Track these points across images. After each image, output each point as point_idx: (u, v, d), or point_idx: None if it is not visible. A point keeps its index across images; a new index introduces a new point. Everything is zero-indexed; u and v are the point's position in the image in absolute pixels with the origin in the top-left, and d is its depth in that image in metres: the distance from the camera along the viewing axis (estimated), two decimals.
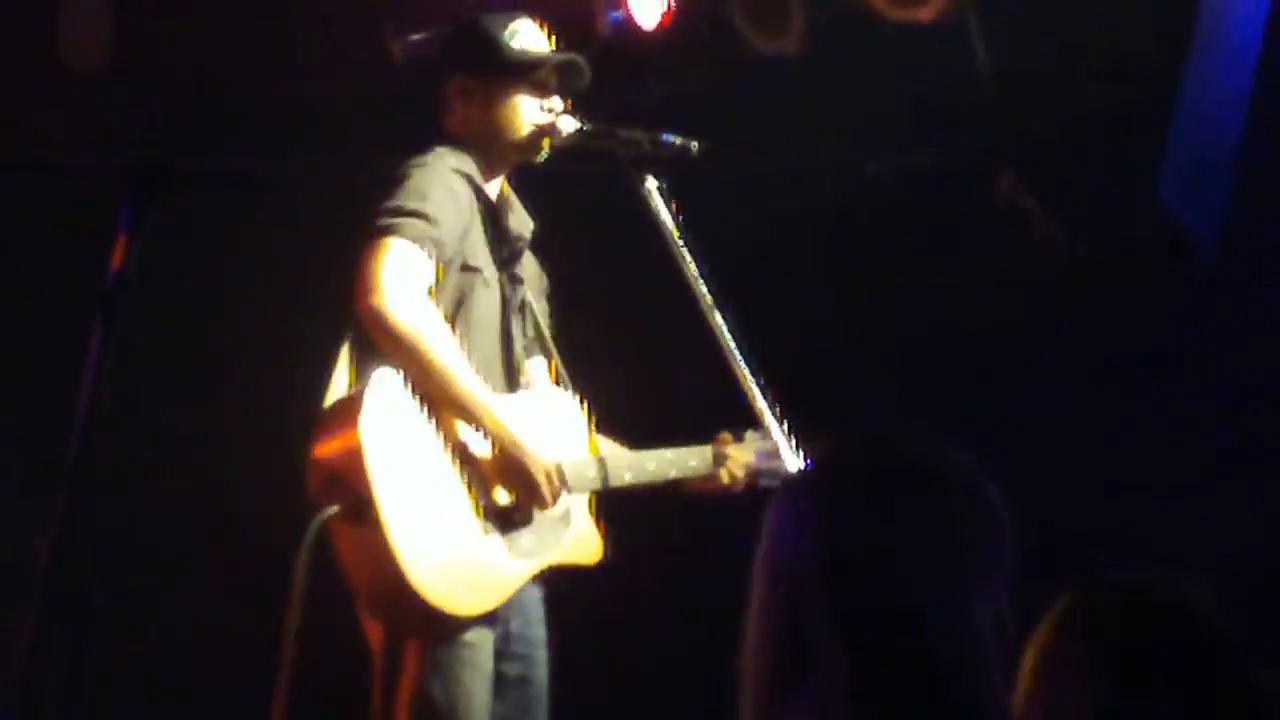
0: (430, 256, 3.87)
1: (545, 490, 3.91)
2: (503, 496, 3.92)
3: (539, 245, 4.34)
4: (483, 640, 3.89)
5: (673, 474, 4.27)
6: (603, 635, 5.37)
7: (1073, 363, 5.66)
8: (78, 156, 5.85)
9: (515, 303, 4.20)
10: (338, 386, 3.92)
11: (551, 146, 4.19)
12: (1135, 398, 5.54)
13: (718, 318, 3.92)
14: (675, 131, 4.16)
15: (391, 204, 3.90)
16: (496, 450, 3.90)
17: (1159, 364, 5.49)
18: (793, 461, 3.90)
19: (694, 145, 4.15)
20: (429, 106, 4.22)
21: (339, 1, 5.82)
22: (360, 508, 3.69)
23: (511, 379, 4.14)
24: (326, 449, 3.78)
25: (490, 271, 4.11)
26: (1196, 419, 5.40)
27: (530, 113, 4.15)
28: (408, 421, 3.80)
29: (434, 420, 3.84)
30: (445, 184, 3.99)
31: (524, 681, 4.06)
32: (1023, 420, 5.55)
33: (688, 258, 3.97)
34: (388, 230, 3.85)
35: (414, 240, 3.85)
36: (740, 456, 4.36)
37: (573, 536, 4.08)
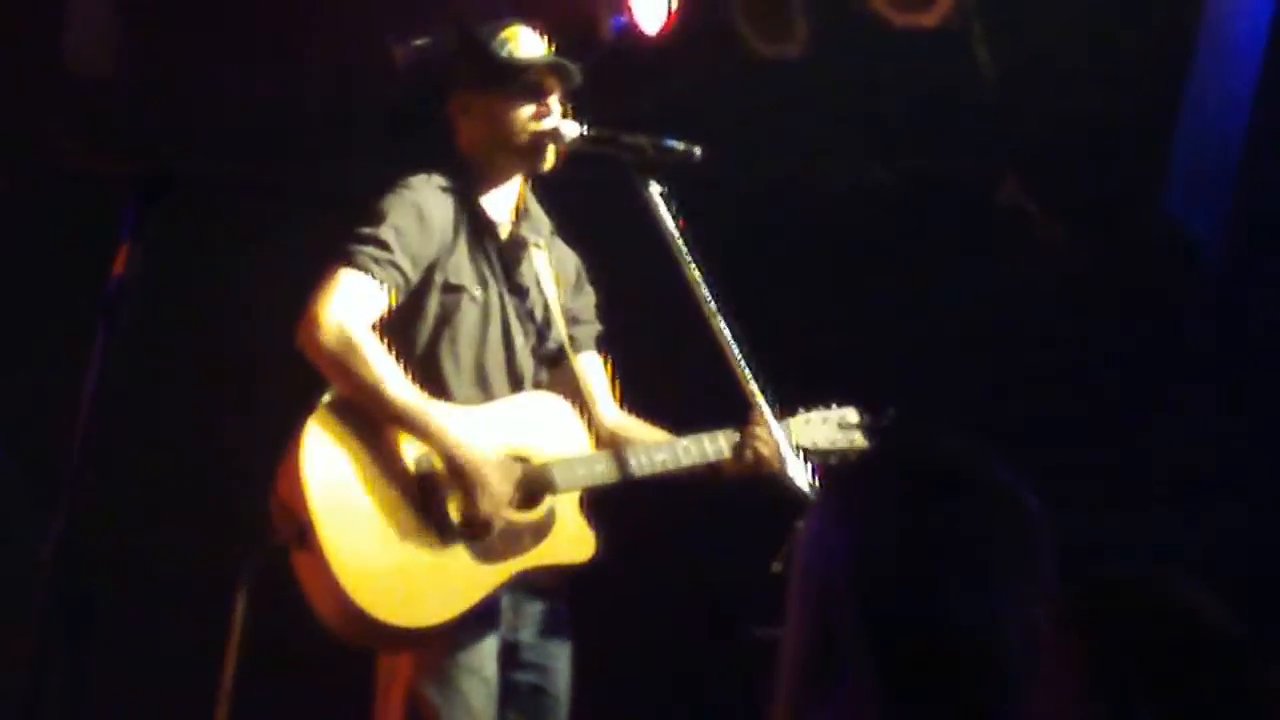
0: (381, 283, 3.94)
1: (496, 487, 3.90)
2: (457, 504, 3.91)
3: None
4: (479, 644, 3.88)
5: (686, 462, 4.12)
6: (619, 642, 5.37)
7: (1078, 367, 5.65)
8: (82, 163, 5.85)
9: (519, 311, 4.21)
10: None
11: (558, 154, 4.19)
12: (1141, 401, 5.53)
13: (720, 322, 3.91)
14: (678, 136, 4.16)
15: (356, 231, 3.98)
16: (441, 455, 3.90)
17: (1163, 367, 5.49)
18: (796, 467, 3.89)
19: (697, 150, 4.15)
20: (440, 128, 4.24)
21: (343, 8, 5.82)
22: (304, 535, 3.74)
23: (518, 388, 4.15)
24: (280, 485, 3.85)
25: (477, 288, 4.12)
26: (1200, 423, 5.39)
27: (526, 117, 4.15)
28: (350, 444, 3.85)
29: (379, 439, 3.88)
30: (414, 208, 4.03)
31: (538, 691, 4.06)
32: (1026, 424, 5.54)
33: (691, 262, 3.97)
34: (340, 258, 3.95)
35: (361, 269, 3.93)
36: (766, 435, 4.04)
37: (559, 535, 4.05)
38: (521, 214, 4.26)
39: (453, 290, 4.07)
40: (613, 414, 4.32)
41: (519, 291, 4.22)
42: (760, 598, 2.03)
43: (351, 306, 3.90)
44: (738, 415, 4.05)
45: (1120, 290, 5.59)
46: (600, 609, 4.17)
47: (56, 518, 2.79)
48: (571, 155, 4.20)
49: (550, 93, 4.18)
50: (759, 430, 4.08)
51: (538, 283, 4.26)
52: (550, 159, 4.20)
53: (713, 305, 3.92)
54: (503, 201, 4.22)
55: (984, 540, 1.97)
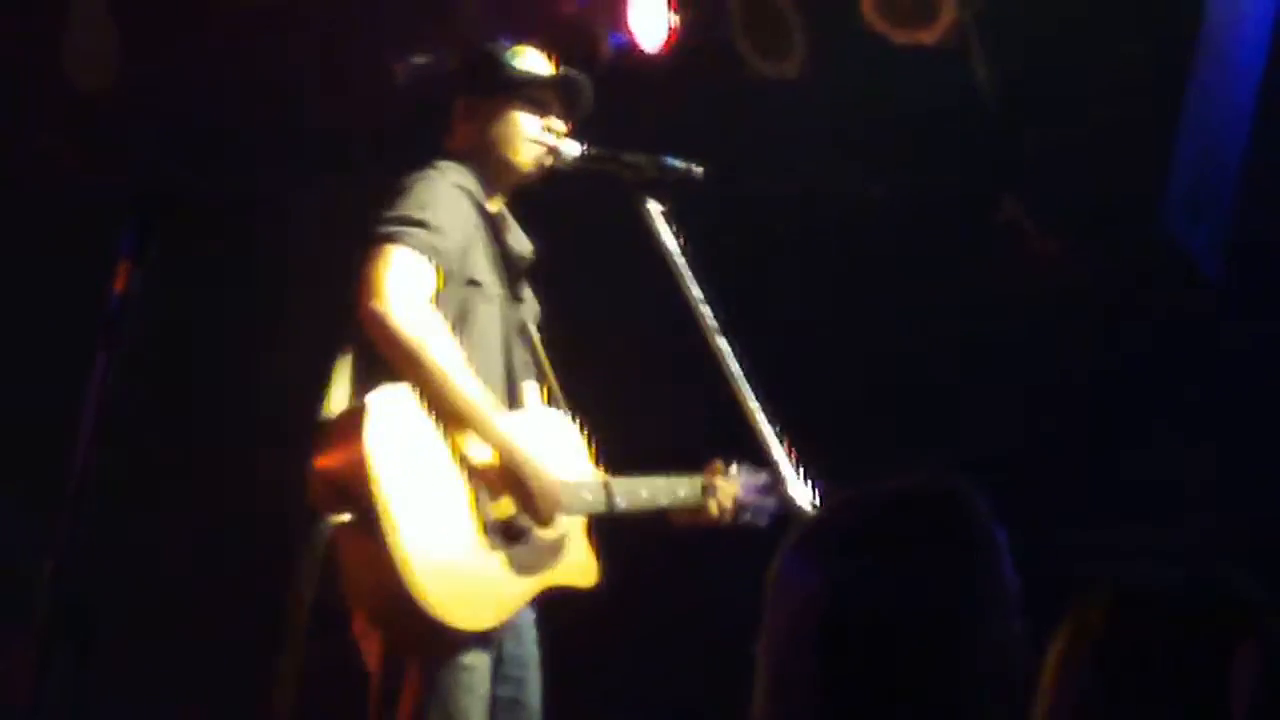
0: (432, 266, 3.89)
1: (544, 505, 3.91)
2: (504, 509, 3.91)
3: (532, 271, 4.34)
4: (480, 663, 3.87)
5: (663, 502, 4.24)
6: (594, 662, 5.36)
7: (1077, 385, 5.66)
8: (81, 179, 5.86)
9: (515, 322, 4.21)
10: (338, 398, 3.92)
11: (553, 168, 4.19)
12: (1140, 418, 5.53)
13: (720, 341, 3.91)
14: (678, 155, 4.16)
15: (395, 213, 3.91)
16: (499, 462, 3.89)
17: (1162, 384, 5.49)
18: (799, 488, 3.88)
19: (697, 169, 4.15)
20: (433, 129, 4.23)
21: (343, 25, 5.83)
22: (365, 519, 3.70)
23: (512, 397, 4.14)
24: (331, 460, 3.79)
25: (493, 288, 4.11)
26: (1199, 439, 5.40)
27: (530, 130, 4.16)
28: (413, 432, 3.81)
29: (438, 430, 3.84)
30: (449, 196, 4.00)
31: (516, 704, 4.06)
32: (1024, 441, 5.54)
33: (691, 281, 3.97)
34: (391, 238, 3.86)
35: (417, 249, 3.86)
36: (728, 488, 4.32)
37: (570, 558, 4.08)
38: (507, 225, 4.26)
39: (473, 285, 4.04)
40: None
41: (517, 301, 4.23)
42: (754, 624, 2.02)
43: (416, 291, 3.83)
44: (737, 437, 4.03)
45: (1118, 307, 5.59)
46: (588, 633, 4.18)
47: (56, 535, 2.80)
48: (572, 174, 4.20)
49: (556, 110, 4.19)
50: (720, 482, 4.28)
51: (525, 299, 4.28)
52: (542, 174, 4.20)
53: (712, 324, 3.92)
54: (491, 209, 4.22)
55: (954, 579, 1.97)
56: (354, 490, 3.71)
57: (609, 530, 4.19)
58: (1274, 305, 5.29)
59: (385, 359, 3.83)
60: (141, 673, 5.73)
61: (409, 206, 3.92)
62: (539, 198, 4.28)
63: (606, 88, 4.38)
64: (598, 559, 4.16)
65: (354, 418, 3.77)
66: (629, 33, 5.45)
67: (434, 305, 3.88)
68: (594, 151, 4.19)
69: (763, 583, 2.02)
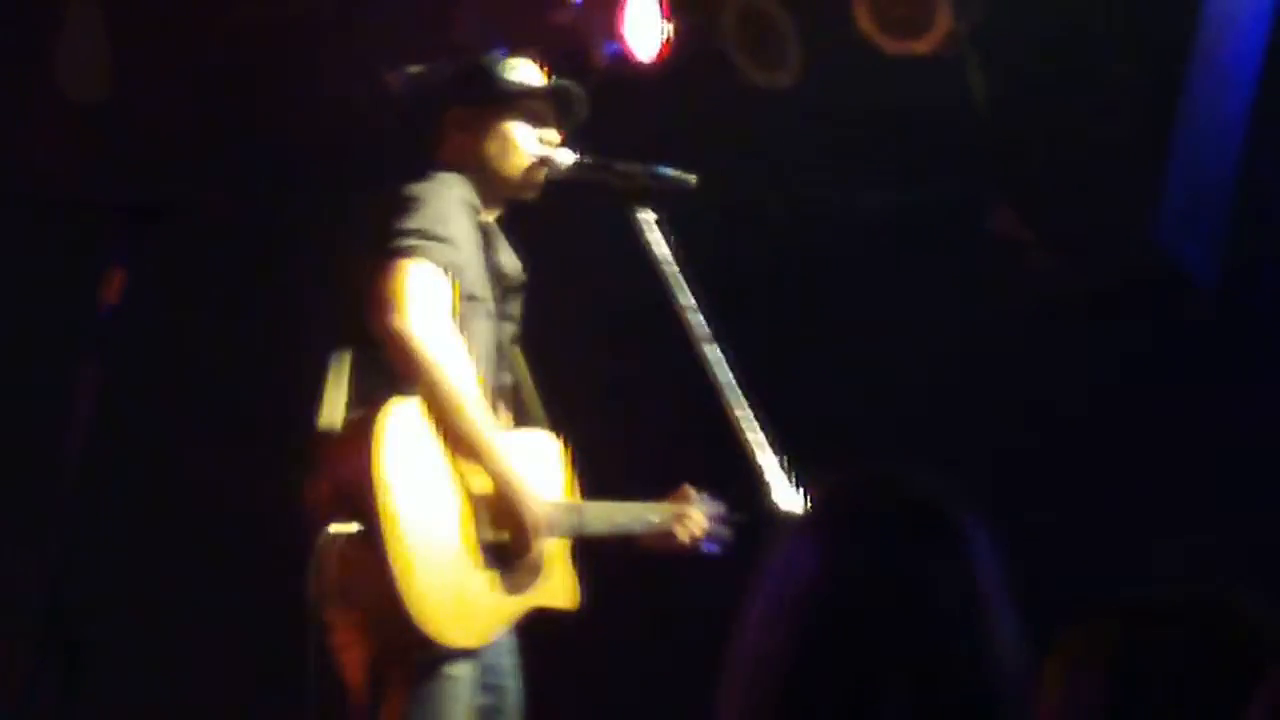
0: (450, 281, 3.87)
1: (534, 533, 3.91)
2: (499, 533, 3.92)
3: (522, 290, 4.32)
4: (465, 674, 3.87)
5: (636, 529, 4.23)
6: (576, 675, 5.36)
7: (1071, 395, 5.65)
8: (74, 189, 5.85)
9: (503, 338, 4.20)
10: (335, 404, 3.91)
11: (547, 180, 4.18)
12: (1136, 428, 5.53)
13: (712, 350, 3.90)
14: (671, 164, 4.15)
15: (412, 225, 3.87)
16: (497, 487, 3.89)
17: (1157, 394, 5.49)
18: (790, 497, 3.87)
19: (690, 178, 4.14)
20: (423, 140, 4.22)
21: (337, 37, 5.83)
22: (366, 529, 3.69)
23: (498, 413, 4.14)
24: (336, 468, 3.78)
25: (490, 304, 4.11)
26: (1199, 448, 5.39)
27: (525, 142, 4.14)
28: (421, 449, 3.80)
29: (444, 449, 3.84)
30: (458, 209, 3.99)
31: (494, 712, 4.06)
32: (1019, 452, 5.54)
33: (682, 289, 3.96)
34: (411, 252, 3.84)
35: (437, 264, 3.85)
36: (697, 517, 4.29)
37: (552, 580, 4.07)
38: (499, 242, 4.25)
39: (473, 300, 4.02)
40: None
41: (506, 319, 4.22)
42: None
43: (438, 308, 3.82)
44: (727, 449, 4.01)
45: (1112, 318, 5.59)
46: (566, 642, 4.18)
47: (48, 546, 2.79)
48: (565, 183, 4.19)
49: (550, 121, 4.18)
50: (690, 510, 4.26)
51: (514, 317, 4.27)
52: (537, 188, 4.19)
53: (704, 333, 3.91)
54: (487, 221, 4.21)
55: (953, 575, 1.96)
56: (358, 500, 3.71)
57: (585, 542, 4.18)
58: (1269, 317, 5.29)
59: (397, 372, 3.81)
60: (135, 676, 5.73)
61: (426, 219, 3.89)
62: (531, 205, 4.26)
63: (600, 97, 4.37)
64: (579, 581, 4.16)
65: (364, 427, 3.75)
66: (623, 42, 5.45)
67: (453, 322, 3.88)
68: (587, 160, 4.18)
69: (737, 591, 2.02)
